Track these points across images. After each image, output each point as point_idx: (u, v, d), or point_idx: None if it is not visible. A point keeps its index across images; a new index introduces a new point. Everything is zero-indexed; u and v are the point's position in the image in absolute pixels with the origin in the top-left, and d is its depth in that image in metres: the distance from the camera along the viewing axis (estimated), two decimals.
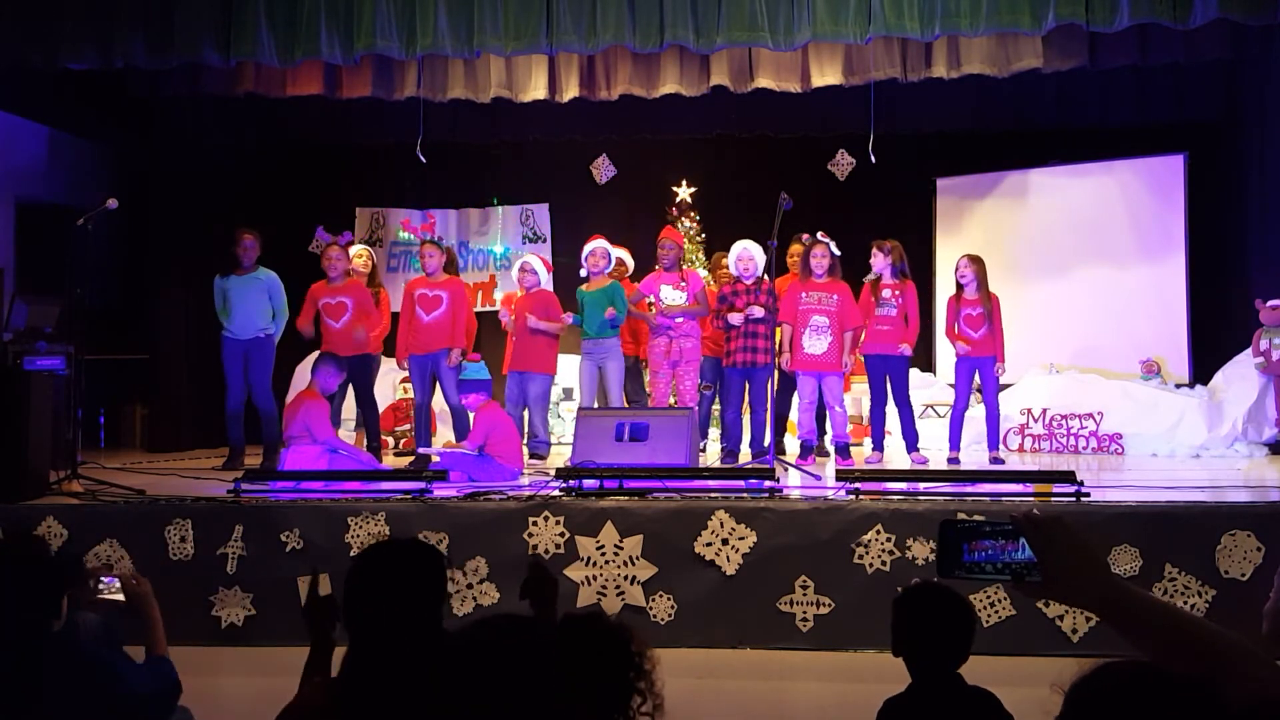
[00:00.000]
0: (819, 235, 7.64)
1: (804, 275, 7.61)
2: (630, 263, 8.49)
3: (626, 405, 8.01)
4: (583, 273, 8.04)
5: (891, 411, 7.65)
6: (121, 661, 2.89)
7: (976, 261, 7.54)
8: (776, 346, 7.55)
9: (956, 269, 7.61)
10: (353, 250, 8.42)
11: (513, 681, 1.42)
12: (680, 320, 7.73)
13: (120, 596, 3.16)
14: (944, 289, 9.59)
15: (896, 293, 7.50)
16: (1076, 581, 1.54)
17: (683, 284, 7.84)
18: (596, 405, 7.80)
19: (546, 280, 8.28)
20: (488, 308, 10.14)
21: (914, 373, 8.61)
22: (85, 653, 2.83)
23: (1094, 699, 1.34)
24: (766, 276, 7.51)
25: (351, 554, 5.67)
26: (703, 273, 9.12)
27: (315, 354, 8.90)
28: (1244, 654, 1.47)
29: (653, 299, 7.93)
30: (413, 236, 10.17)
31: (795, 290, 7.57)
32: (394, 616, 2.24)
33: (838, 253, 7.64)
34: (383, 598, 2.26)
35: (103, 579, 3.18)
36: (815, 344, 7.47)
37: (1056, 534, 1.55)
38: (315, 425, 6.82)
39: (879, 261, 7.57)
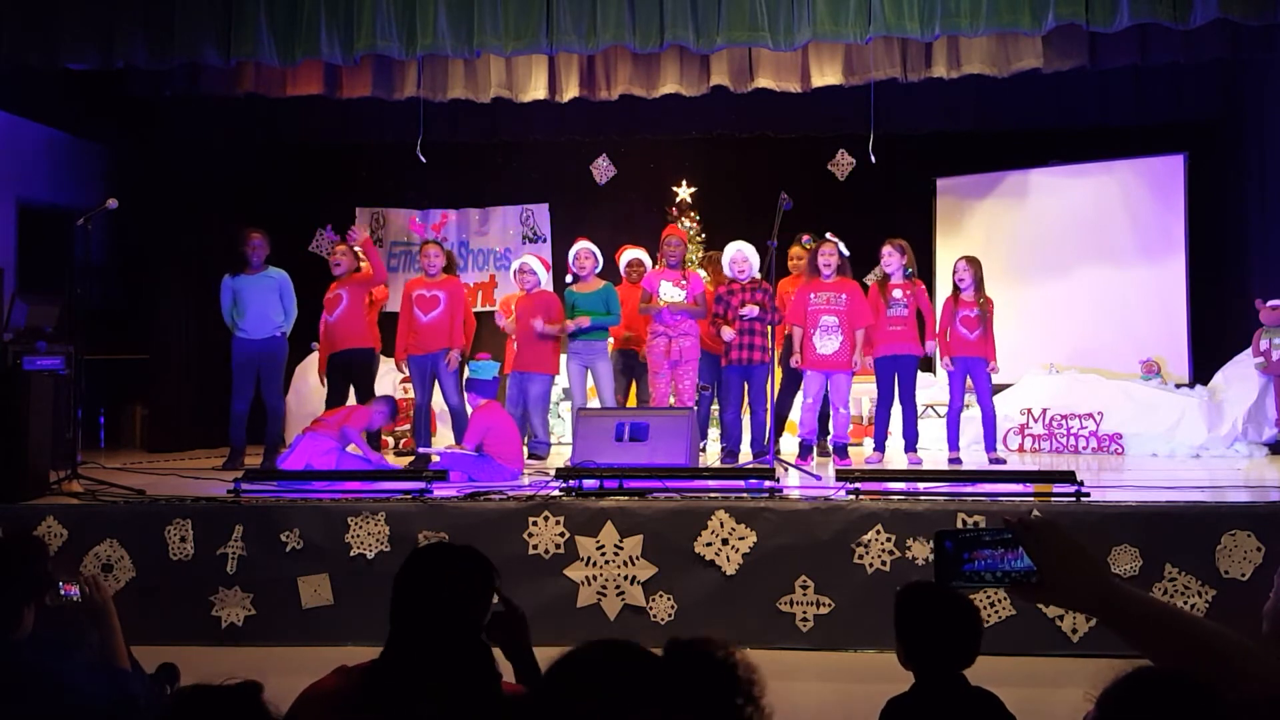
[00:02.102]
0: (827, 235, 7.63)
1: (811, 275, 7.62)
2: (648, 263, 8.47)
3: (627, 405, 8.02)
4: (569, 278, 8.04)
5: (894, 412, 7.64)
6: (75, 674, 2.85)
7: (974, 263, 7.54)
8: (793, 345, 7.54)
9: (954, 271, 7.60)
10: (340, 249, 8.48)
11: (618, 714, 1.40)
12: (679, 318, 7.72)
13: (76, 597, 3.12)
14: (944, 289, 9.59)
15: (907, 293, 7.50)
16: (1075, 586, 1.55)
17: (683, 282, 7.84)
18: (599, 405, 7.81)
19: (546, 280, 8.28)
20: (488, 307, 10.14)
21: None
22: (37, 667, 2.78)
23: (1125, 703, 1.34)
24: (762, 276, 7.52)
25: (351, 554, 5.68)
26: (701, 273, 9.13)
27: (311, 355, 8.95)
28: (1244, 652, 1.48)
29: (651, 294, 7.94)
30: (418, 235, 10.19)
31: (804, 291, 7.58)
32: (439, 618, 2.27)
33: (846, 253, 7.63)
34: (431, 598, 2.29)
35: (62, 585, 3.14)
36: (826, 344, 7.47)
37: (1053, 539, 1.56)
38: (352, 425, 6.98)
39: (894, 261, 7.55)
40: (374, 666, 2.28)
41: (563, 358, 8.15)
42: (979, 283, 7.50)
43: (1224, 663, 1.45)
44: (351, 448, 7.10)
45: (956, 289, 7.57)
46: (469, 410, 7.83)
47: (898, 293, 7.50)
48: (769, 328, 7.51)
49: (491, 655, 2.26)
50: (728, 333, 7.50)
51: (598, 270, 7.98)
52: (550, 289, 8.43)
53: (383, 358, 9.00)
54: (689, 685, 1.43)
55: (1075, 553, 1.55)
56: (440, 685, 2.16)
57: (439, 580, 2.32)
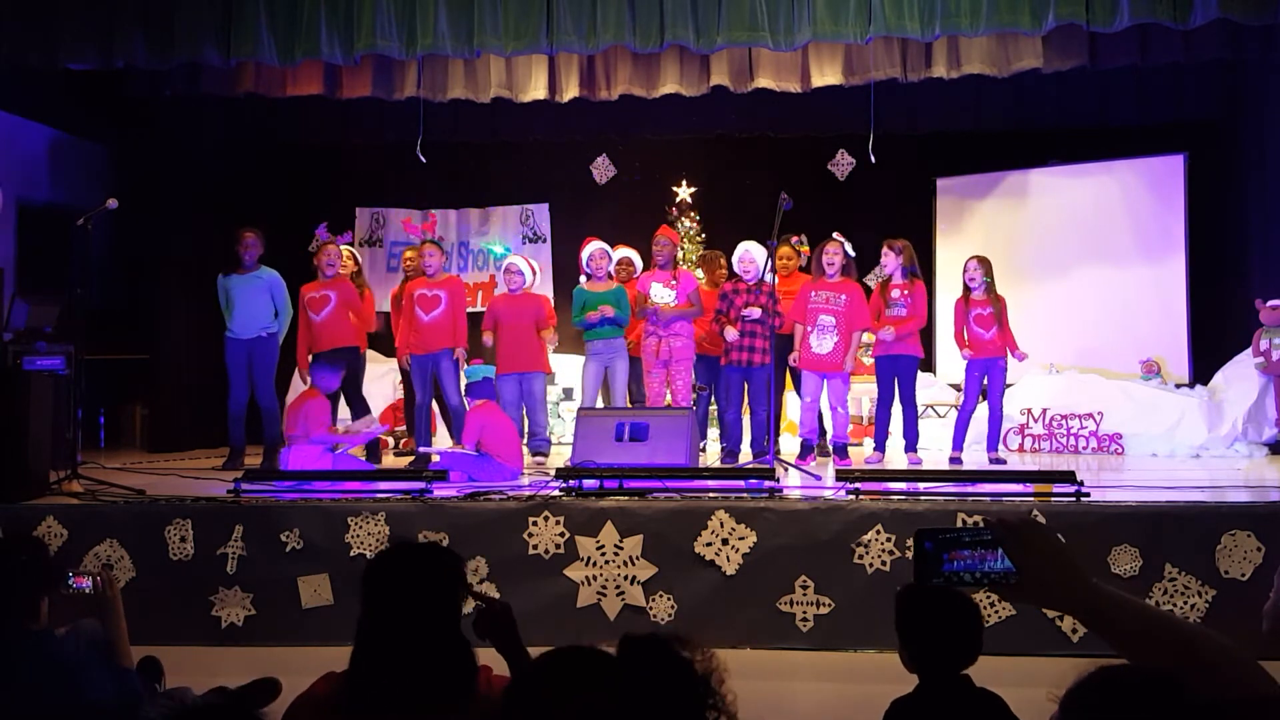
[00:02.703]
0: (834, 235, 7.64)
1: (816, 274, 7.63)
2: (639, 263, 8.48)
3: (629, 405, 8.02)
4: (583, 278, 8.04)
5: (895, 411, 7.64)
6: (89, 671, 2.85)
7: (984, 263, 7.55)
8: (794, 342, 7.55)
9: (965, 271, 7.59)
10: (332, 250, 8.49)
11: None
12: (651, 311, 7.74)
13: (88, 590, 3.11)
14: (944, 289, 9.60)
15: (906, 293, 7.50)
16: (1054, 587, 1.55)
17: (673, 283, 7.85)
18: (600, 405, 7.80)
19: (532, 281, 8.23)
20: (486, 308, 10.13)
21: None
22: (53, 658, 2.79)
23: (1087, 703, 1.35)
24: (767, 278, 7.52)
25: (351, 554, 5.68)
26: (698, 273, 9.13)
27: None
28: (1223, 653, 1.48)
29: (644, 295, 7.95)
30: (414, 236, 10.18)
31: (806, 289, 7.59)
32: (410, 617, 2.26)
33: (852, 253, 7.64)
34: (399, 598, 2.28)
35: (71, 577, 3.12)
36: (821, 343, 7.48)
37: (1033, 540, 1.56)
38: (313, 424, 6.85)
39: (890, 262, 7.57)
40: (351, 671, 2.27)
41: (573, 357, 8.15)
42: (990, 281, 7.51)
43: (1204, 664, 1.45)
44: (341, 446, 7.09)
45: (967, 289, 7.57)
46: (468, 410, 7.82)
47: (896, 293, 7.50)
48: (770, 330, 7.51)
49: (470, 650, 2.26)
50: (730, 333, 7.50)
51: (607, 271, 8.01)
52: (536, 290, 8.37)
53: (382, 356, 9.01)
54: (643, 680, 1.43)
55: (1056, 553, 1.55)
56: (419, 685, 2.15)
57: (406, 580, 2.31)
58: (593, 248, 7.98)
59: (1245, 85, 9.14)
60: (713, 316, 7.75)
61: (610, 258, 8.02)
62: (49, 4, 7.07)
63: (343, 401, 7.95)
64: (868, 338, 7.73)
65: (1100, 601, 1.54)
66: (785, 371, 7.91)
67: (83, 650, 3.06)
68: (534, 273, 8.30)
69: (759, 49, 7.74)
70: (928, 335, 9.28)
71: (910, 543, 5.42)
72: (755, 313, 7.43)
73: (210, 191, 9.53)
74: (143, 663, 4.27)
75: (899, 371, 7.48)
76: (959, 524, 5.42)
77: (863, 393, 8.65)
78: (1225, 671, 1.45)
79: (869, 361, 7.89)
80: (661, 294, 7.79)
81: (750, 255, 7.64)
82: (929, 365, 9.69)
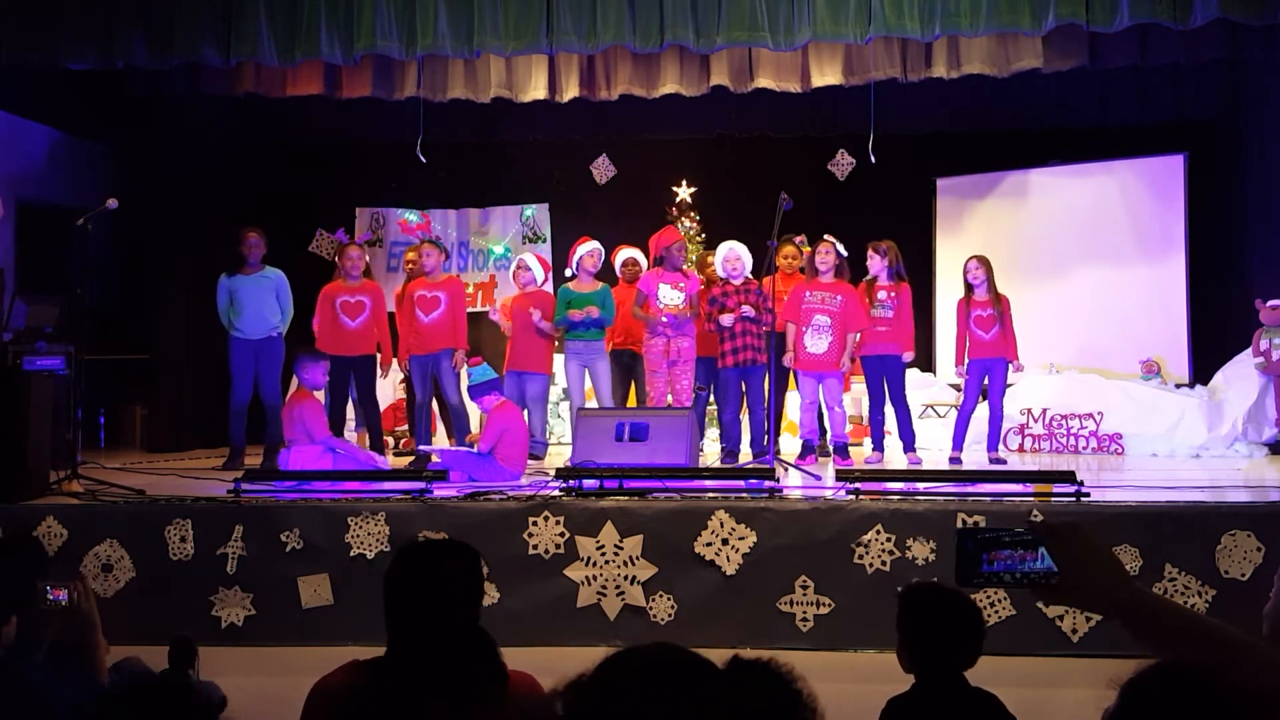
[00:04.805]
0: (825, 236, 7.64)
1: (810, 275, 7.62)
2: (644, 263, 8.48)
3: (627, 405, 8.02)
4: (569, 272, 8.06)
5: (891, 412, 7.64)
6: (55, 692, 2.79)
7: (985, 263, 7.54)
8: (786, 343, 7.54)
9: (966, 271, 7.58)
10: (354, 253, 8.48)
11: None
12: (665, 321, 7.74)
13: (64, 602, 3.02)
14: (944, 289, 9.59)
15: (892, 294, 7.50)
16: (1095, 588, 1.56)
17: (681, 284, 7.85)
18: (597, 405, 7.81)
19: (543, 279, 8.25)
20: (487, 307, 10.13)
21: (914, 373, 8.61)
22: (17, 679, 2.72)
23: (1149, 692, 1.35)
24: (753, 277, 7.52)
25: (352, 554, 5.68)
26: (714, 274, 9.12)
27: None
28: (1261, 657, 1.48)
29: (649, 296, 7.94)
30: (410, 237, 10.18)
31: (800, 290, 7.58)
32: (432, 613, 2.28)
33: (844, 253, 7.63)
34: (421, 595, 2.30)
35: (48, 589, 3.03)
36: (816, 344, 7.48)
37: (1075, 541, 1.57)
38: (312, 425, 6.84)
39: (875, 263, 7.59)
40: (382, 664, 2.28)
41: (559, 357, 8.16)
42: (991, 281, 7.50)
43: (1241, 667, 1.46)
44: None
45: (970, 288, 7.56)
46: (468, 409, 7.82)
47: (883, 294, 7.51)
48: (766, 329, 7.50)
49: (495, 645, 2.27)
50: (728, 318, 7.45)
51: (595, 271, 8.01)
52: (548, 288, 8.42)
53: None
54: (750, 705, 1.38)
55: (1099, 556, 1.56)
56: (448, 679, 2.17)
57: (431, 576, 2.33)
58: (589, 247, 7.98)
59: (1245, 85, 9.14)
60: (703, 319, 7.73)
61: (602, 260, 8.02)
62: (49, 4, 7.07)
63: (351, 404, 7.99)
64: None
65: (1141, 603, 1.55)
66: (788, 373, 7.90)
67: (56, 669, 2.98)
68: (545, 270, 8.33)
69: (759, 49, 7.73)
70: (927, 335, 9.29)
71: (910, 542, 5.48)
72: (750, 311, 7.42)
73: (210, 191, 9.52)
74: (175, 643, 4.20)
75: (887, 372, 7.48)
76: (959, 524, 5.43)
77: (862, 392, 8.64)
78: (1264, 673, 1.46)
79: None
80: (670, 295, 7.78)
81: (735, 254, 7.62)
82: (929, 365, 9.69)
